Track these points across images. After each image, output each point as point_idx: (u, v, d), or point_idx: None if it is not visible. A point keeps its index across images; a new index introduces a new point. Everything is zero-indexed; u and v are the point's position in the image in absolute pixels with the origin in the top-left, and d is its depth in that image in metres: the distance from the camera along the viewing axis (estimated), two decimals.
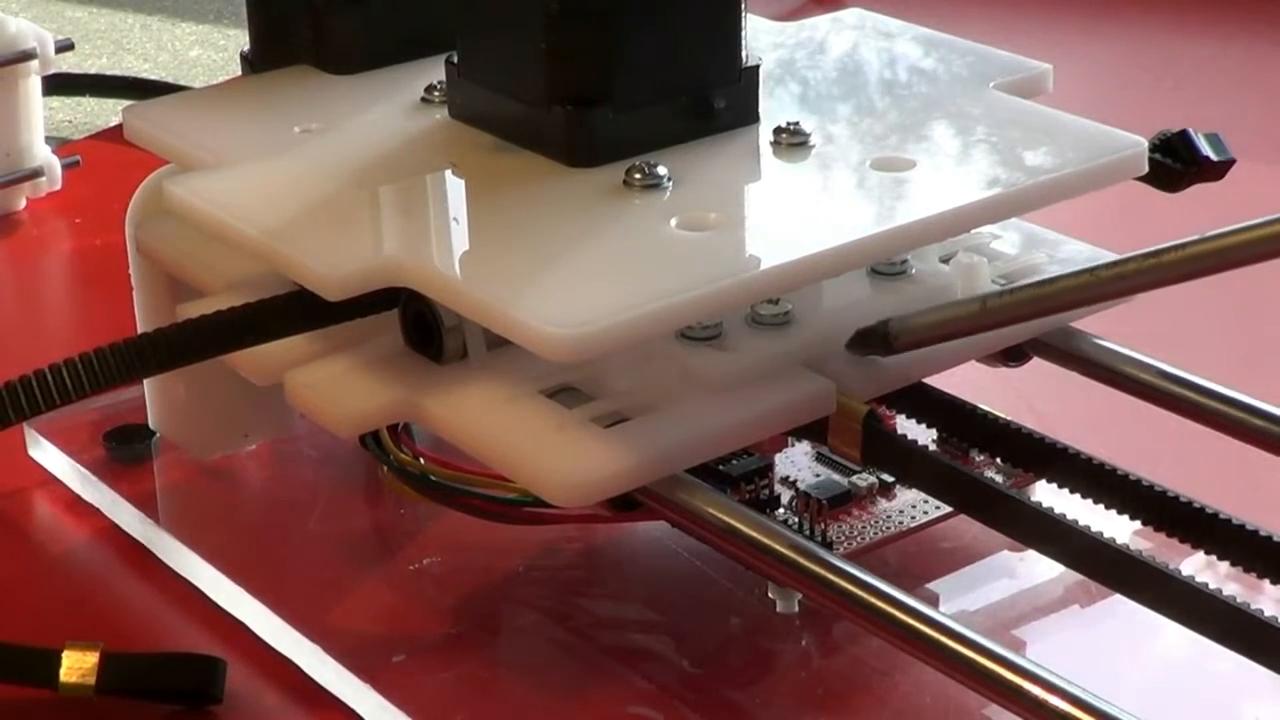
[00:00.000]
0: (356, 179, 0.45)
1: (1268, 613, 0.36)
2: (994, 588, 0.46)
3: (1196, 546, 0.40)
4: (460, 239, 0.43)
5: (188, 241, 0.47)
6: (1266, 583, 0.39)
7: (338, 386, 0.42)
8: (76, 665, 0.43)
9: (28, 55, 0.68)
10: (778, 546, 0.40)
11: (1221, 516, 0.39)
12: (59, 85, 0.77)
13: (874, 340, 0.42)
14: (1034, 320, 0.42)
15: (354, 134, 0.47)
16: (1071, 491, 0.42)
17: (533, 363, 0.41)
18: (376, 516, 0.50)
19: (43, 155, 0.70)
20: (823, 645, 0.44)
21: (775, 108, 0.47)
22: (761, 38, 0.51)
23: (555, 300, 0.39)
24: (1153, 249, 0.37)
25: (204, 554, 0.48)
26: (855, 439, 0.42)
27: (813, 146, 0.45)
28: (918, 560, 0.46)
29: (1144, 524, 0.41)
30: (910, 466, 0.42)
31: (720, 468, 0.45)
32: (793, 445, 0.47)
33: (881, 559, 0.45)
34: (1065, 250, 0.47)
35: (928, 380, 0.45)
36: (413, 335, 0.43)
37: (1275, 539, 0.39)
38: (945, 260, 0.46)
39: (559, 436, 0.40)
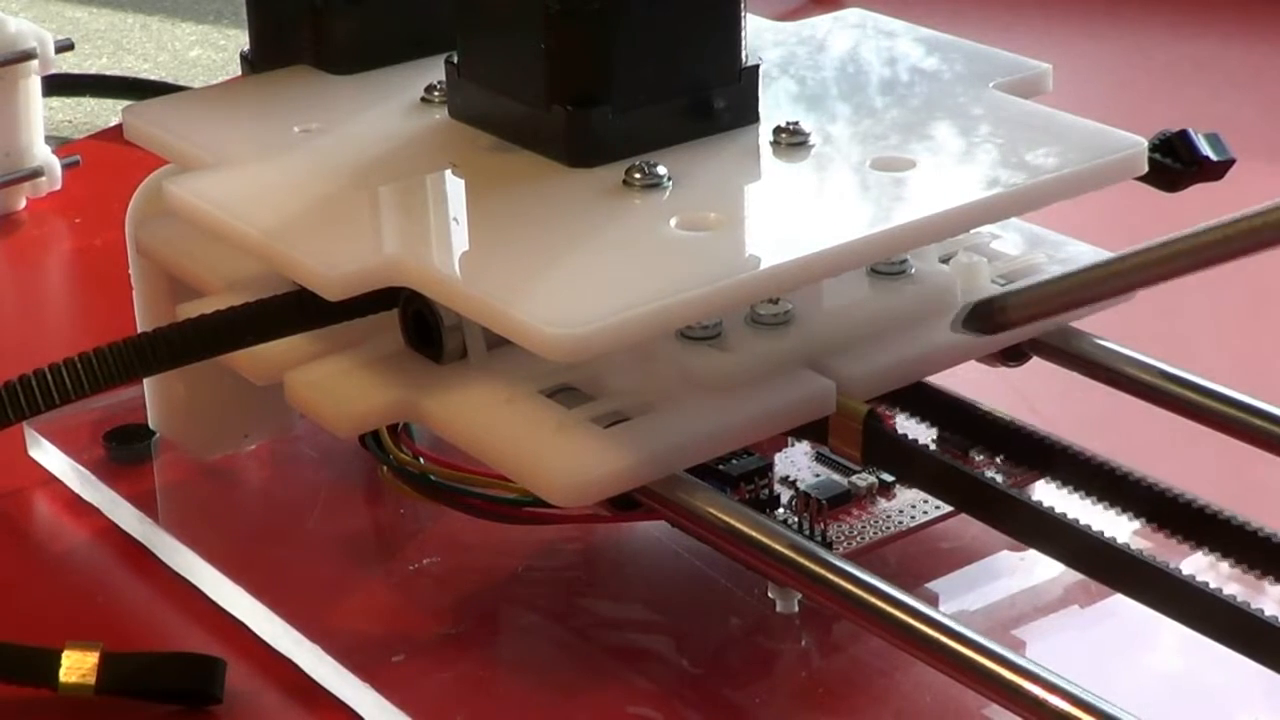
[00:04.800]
0: (356, 179, 0.45)
1: (1268, 612, 0.36)
2: (994, 588, 0.46)
3: (1197, 545, 0.40)
4: (460, 239, 0.43)
5: (188, 241, 0.47)
6: (1267, 582, 0.39)
7: (338, 386, 0.42)
8: (76, 665, 0.43)
9: (28, 55, 0.68)
10: (778, 546, 0.40)
11: (1222, 515, 0.39)
12: (59, 85, 0.78)
13: (984, 316, 0.42)
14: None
15: (354, 134, 0.47)
16: (1072, 490, 0.42)
17: (532, 363, 0.41)
18: (376, 516, 0.50)
19: (43, 155, 0.70)
20: (823, 645, 0.44)
21: (775, 108, 0.47)
22: (761, 37, 0.51)
23: (555, 300, 0.39)
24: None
25: (204, 554, 0.47)
26: (855, 439, 0.42)
27: (812, 146, 0.45)
28: (918, 560, 0.46)
29: (1144, 522, 0.41)
30: (911, 466, 0.42)
31: (720, 468, 0.44)
32: (792, 445, 0.47)
33: (881, 559, 0.45)
34: (1066, 251, 0.47)
35: (928, 380, 0.45)
36: (413, 335, 0.43)
37: (1276, 537, 0.39)
38: (945, 260, 0.46)
39: (559, 436, 0.40)
